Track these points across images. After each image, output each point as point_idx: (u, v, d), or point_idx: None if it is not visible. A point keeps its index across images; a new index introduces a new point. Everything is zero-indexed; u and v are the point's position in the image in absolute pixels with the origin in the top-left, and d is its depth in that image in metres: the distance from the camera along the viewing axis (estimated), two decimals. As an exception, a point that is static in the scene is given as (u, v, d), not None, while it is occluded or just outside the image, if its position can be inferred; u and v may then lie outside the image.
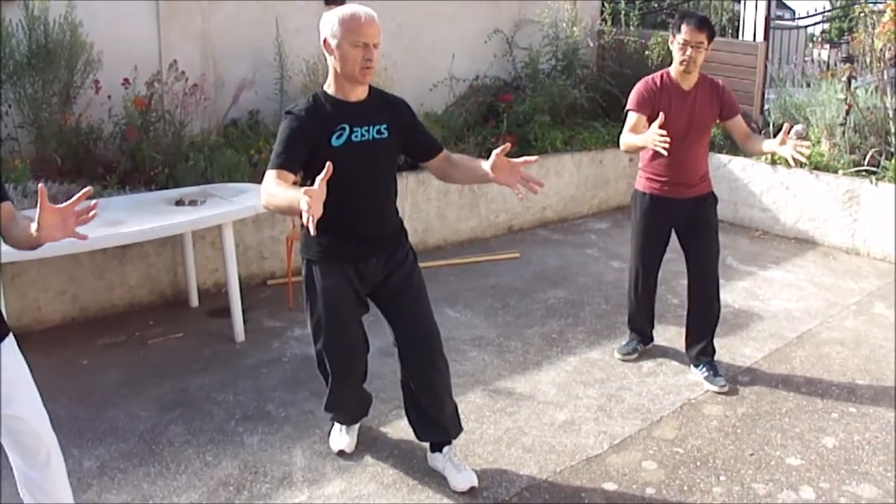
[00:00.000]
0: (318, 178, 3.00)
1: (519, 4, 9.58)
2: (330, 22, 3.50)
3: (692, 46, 4.73)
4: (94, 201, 2.82)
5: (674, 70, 4.90)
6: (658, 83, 4.90)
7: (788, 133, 4.54)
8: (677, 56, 4.82)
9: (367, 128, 3.61)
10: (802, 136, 8.45)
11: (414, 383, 3.94)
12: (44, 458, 3.04)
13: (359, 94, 3.63)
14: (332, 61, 3.56)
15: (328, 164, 3.04)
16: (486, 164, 3.53)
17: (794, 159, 4.47)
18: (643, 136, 4.56)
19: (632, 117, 4.87)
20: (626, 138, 4.81)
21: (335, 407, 4.22)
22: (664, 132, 4.36)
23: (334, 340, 3.89)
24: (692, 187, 5.03)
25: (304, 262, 3.84)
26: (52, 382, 4.89)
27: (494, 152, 3.44)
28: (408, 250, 3.93)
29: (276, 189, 3.32)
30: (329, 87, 3.64)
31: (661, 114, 4.48)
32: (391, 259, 3.83)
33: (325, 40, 3.52)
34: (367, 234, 3.74)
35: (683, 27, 4.76)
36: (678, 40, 4.79)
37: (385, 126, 3.66)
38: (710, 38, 4.79)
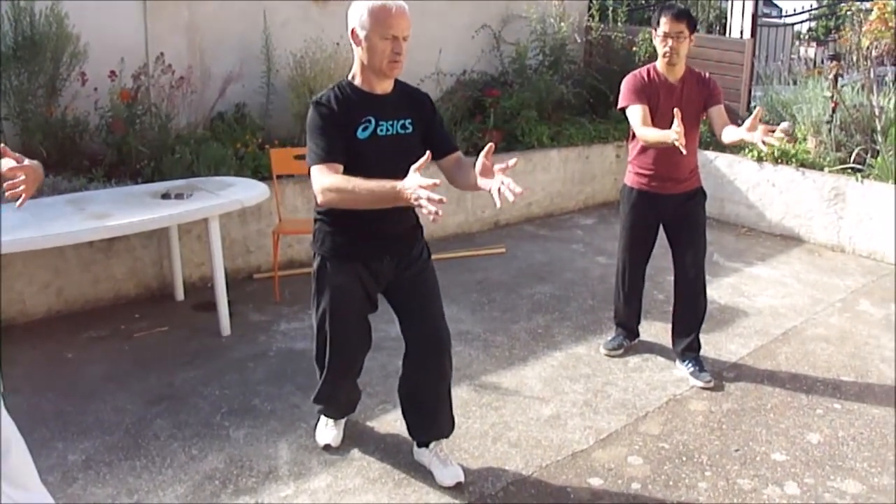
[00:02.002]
0: (413, 168, 2.97)
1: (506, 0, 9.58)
2: (359, 12, 3.41)
3: (672, 37, 4.75)
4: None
5: (660, 64, 4.91)
6: (645, 77, 4.90)
7: (760, 118, 4.39)
8: (660, 48, 4.84)
9: (392, 122, 3.55)
10: (789, 133, 8.49)
11: (417, 382, 3.91)
12: (3, 447, 3.00)
13: (385, 86, 3.56)
14: (358, 52, 3.49)
15: (427, 152, 3.03)
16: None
17: (765, 144, 4.25)
18: (666, 133, 4.46)
19: (636, 111, 4.80)
20: (648, 133, 4.70)
21: (326, 400, 4.20)
22: (678, 129, 4.34)
23: (337, 337, 3.86)
24: (681, 182, 5.03)
25: (317, 256, 3.78)
26: (36, 376, 4.89)
27: (481, 155, 3.28)
28: (423, 247, 3.88)
29: (345, 183, 3.23)
30: (355, 79, 3.57)
31: (677, 111, 4.42)
32: (405, 257, 3.79)
33: (352, 31, 3.44)
34: (385, 231, 3.67)
35: (662, 19, 4.78)
36: (658, 33, 4.82)
37: (410, 120, 3.60)
38: (692, 29, 4.80)
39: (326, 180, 3.27)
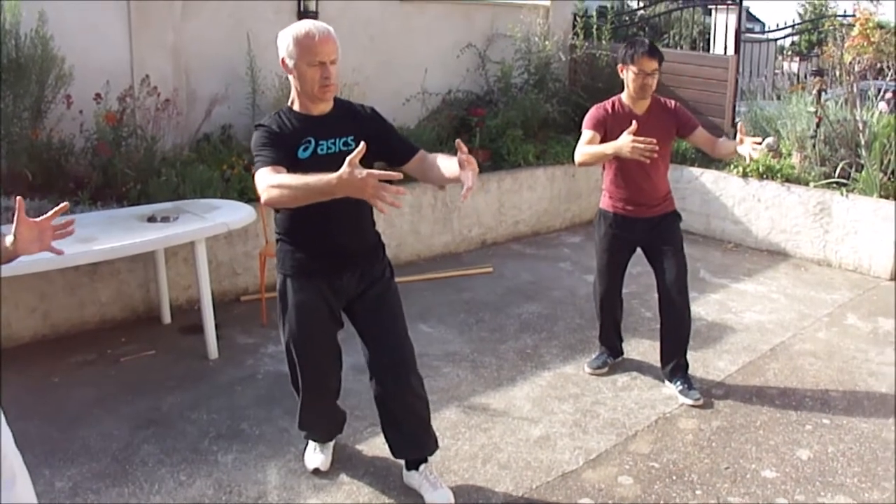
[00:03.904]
0: (348, 160, 2.95)
1: (491, 18, 9.63)
2: (285, 42, 3.49)
3: (648, 75, 4.81)
4: (71, 216, 2.86)
5: (626, 96, 4.97)
6: (609, 110, 4.97)
7: (744, 132, 4.68)
8: (633, 85, 4.88)
9: (332, 140, 3.58)
10: (774, 149, 8.52)
11: (388, 402, 3.91)
12: (9, 477, 2.98)
13: (322, 108, 3.61)
14: (291, 80, 3.57)
15: (362, 144, 3.02)
16: (456, 165, 3.39)
17: (749, 156, 4.61)
18: (614, 143, 4.59)
19: (587, 134, 4.92)
20: (586, 149, 4.83)
21: (308, 424, 4.20)
22: (652, 139, 4.40)
23: (305, 356, 3.87)
24: (653, 207, 5.10)
25: (279, 276, 3.82)
26: (23, 401, 4.85)
27: (458, 152, 3.33)
28: (385, 266, 3.90)
29: (286, 179, 3.22)
30: (294, 104, 3.63)
31: (634, 122, 4.51)
32: (366, 274, 3.81)
33: (282, 60, 3.52)
34: (340, 248, 3.71)
35: (637, 57, 4.81)
36: (632, 70, 4.84)
37: (352, 138, 3.60)
38: (661, 62, 4.87)
39: (269, 179, 3.27)
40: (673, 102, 5.09)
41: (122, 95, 6.50)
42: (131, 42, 6.92)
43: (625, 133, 4.51)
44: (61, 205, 2.87)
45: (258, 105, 7.49)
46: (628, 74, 4.88)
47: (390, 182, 2.96)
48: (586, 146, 4.85)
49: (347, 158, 2.96)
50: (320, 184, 3.04)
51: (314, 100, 3.56)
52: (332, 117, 3.63)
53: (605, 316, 5.47)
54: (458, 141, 3.37)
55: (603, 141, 4.80)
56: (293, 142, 3.51)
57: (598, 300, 5.46)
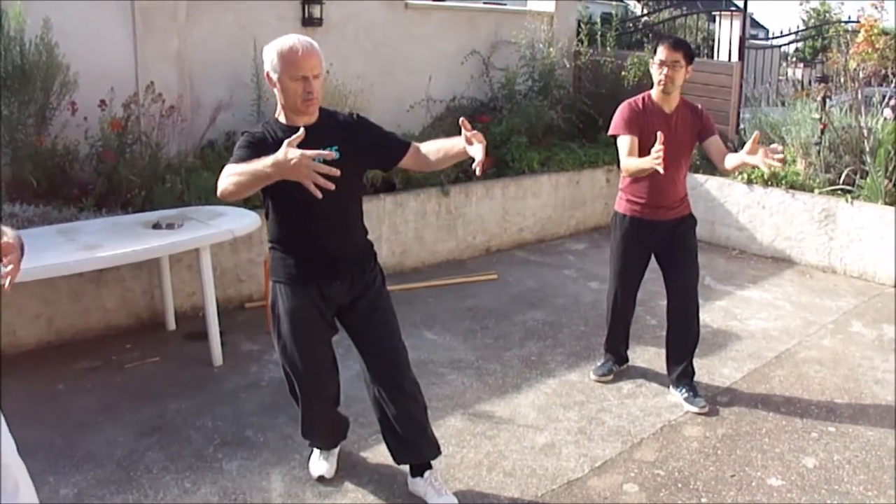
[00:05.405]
0: (286, 143, 3.09)
1: (495, 25, 9.64)
2: (270, 56, 3.55)
3: (668, 65, 4.81)
4: (9, 273, 2.78)
5: (654, 92, 4.97)
6: (640, 105, 4.96)
7: (757, 141, 4.59)
8: (655, 75, 4.90)
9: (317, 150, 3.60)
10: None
11: (384, 407, 3.93)
12: (12, 488, 2.98)
13: (306, 120, 3.64)
14: (276, 92, 3.62)
15: (301, 129, 3.17)
16: (461, 142, 3.58)
17: (767, 166, 4.53)
18: (646, 160, 4.57)
19: (625, 141, 4.90)
20: (629, 163, 4.83)
21: (309, 432, 4.21)
22: (661, 148, 4.40)
23: (299, 362, 3.88)
24: (672, 209, 5.07)
25: (272, 283, 3.86)
26: (27, 408, 4.85)
27: (463, 131, 3.54)
28: (376, 274, 3.93)
29: (236, 168, 3.31)
30: (280, 116, 3.68)
31: (660, 134, 4.48)
32: (357, 282, 3.84)
33: (267, 74, 3.58)
34: (329, 256, 3.74)
35: (660, 48, 4.89)
36: (655, 60, 4.89)
37: (335, 148, 3.59)
38: (688, 59, 4.86)
39: (226, 170, 3.36)
40: (699, 106, 5.11)
41: (127, 102, 6.51)
42: (136, 49, 6.93)
43: (654, 148, 4.48)
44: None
45: (263, 112, 7.49)
46: (653, 67, 4.92)
47: (326, 162, 3.11)
48: (630, 159, 4.84)
49: (286, 141, 3.09)
50: (259, 167, 3.17)
51: (297, 113, 3.61)
52: (316, 128, 3.63)
53: (615, 322, 5.45)
54: (462, 119, 3.54)
55: (641, 135, 4.82)
56: (276, 151, 3.52)
57: (610, 305, 5.42)
